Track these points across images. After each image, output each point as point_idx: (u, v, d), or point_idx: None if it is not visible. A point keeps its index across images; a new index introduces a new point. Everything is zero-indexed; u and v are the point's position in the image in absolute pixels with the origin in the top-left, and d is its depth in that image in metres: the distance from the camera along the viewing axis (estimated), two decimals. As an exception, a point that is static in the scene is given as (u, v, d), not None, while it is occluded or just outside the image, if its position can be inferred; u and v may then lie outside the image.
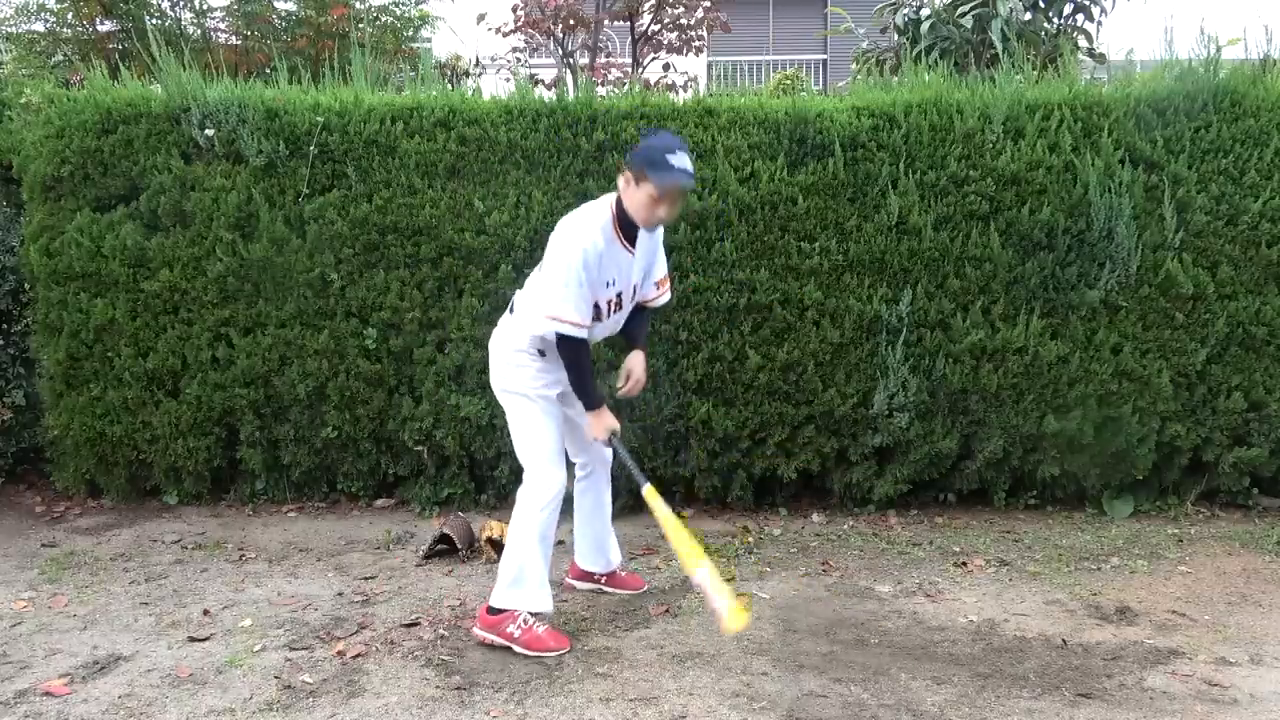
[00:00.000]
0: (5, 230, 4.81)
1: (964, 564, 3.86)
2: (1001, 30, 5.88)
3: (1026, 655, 3.03)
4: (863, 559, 3.94)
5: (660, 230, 3.22)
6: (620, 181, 2.99)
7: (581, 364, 3.05)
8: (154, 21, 6.84)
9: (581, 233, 2.94)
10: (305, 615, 3.36)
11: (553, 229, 3.06)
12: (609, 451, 3.35)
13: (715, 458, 4.39)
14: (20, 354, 4.81)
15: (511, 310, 3.19)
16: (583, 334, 2.99)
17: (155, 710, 2.70)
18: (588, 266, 2.93)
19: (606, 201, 3.04)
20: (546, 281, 2.99)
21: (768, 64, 15.81)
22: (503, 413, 4.26)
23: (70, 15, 7.05)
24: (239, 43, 7.21)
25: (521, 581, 3.06)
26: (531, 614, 3.06)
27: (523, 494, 3.09)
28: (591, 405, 3.10)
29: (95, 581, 3.73)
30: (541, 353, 3.10)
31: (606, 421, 3.11)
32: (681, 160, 2.89)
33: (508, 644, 3.04)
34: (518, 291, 3.22)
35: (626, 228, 3.02)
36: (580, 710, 2.67)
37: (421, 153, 4.34)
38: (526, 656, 2.99)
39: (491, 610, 3.09)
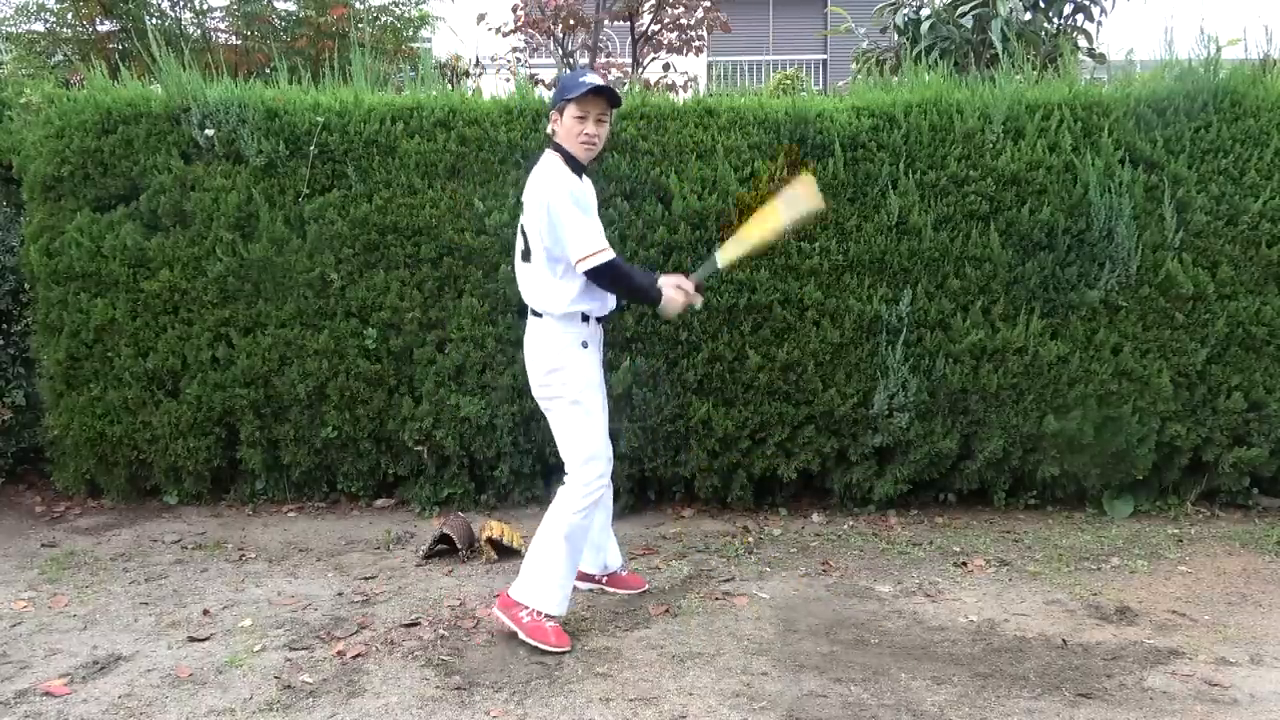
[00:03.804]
0: (5, 230, 4.82)
1: (964, 564, 3.86)
2: (1001, 30, 5.88)
3: (1026, 655, 3.03)
4: (863, 559, 3.94)
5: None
6: (550, 130, 3.13)
7: (625, 280, 3.12)
8: (154, 21, 6.84)
9: (555, 177, 3.03)
10: (305, 615, 3.36)
11: None
12: (610, 446, 3.38)
13: (715, 458, 4.39)
14: (20, 354, 4.82)
15: (538, 315, 3.15)
16: (611, 254, 3.01)
17: (155, 710, 2.70)
18: (577, 199, 3.00)
19: (548, 155, 3.12)
20: (564, 235, 3.00)
21: (768, 64, 15.80)
22: (504, 413, 4.34)
23: (70, 15, 7.05)
24: (239, 43, 7.21)
25: (539, 580, 3.08)
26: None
27: (562, 493, 3.12)
28: (656, 299, 3.14)
29: (95, 581, 3.73)
30: (585, 344, 3.13)
31: (677, 294, 3.14)
32: (592, 77, 3.06)
33: (515, 628, 3.07)
34: (527, 295, 3.18)
35: (574, 168, 3.09)
36: (580, 710, 2.67)
37: (421, 153, 4.34)
38: (527, 655, 2.99)
39: (511, 595, 3.14)
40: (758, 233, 3.25)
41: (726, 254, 3.25)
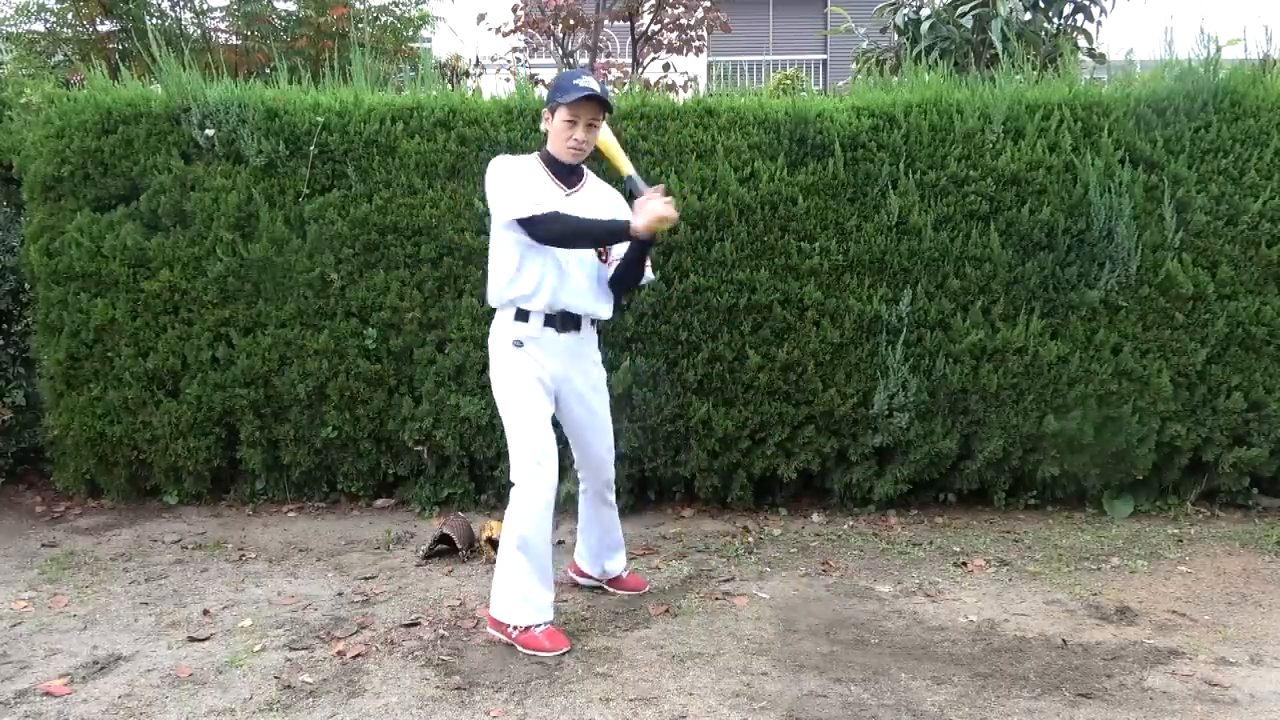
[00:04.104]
0: (5, 230, 4.82)
1: (964, 564, 3.86)
2: (1001, 30, 5.88)
3: (1026, 655, 3.03)
4: (863, 559, 3.94)
5: (617, 196, 3.27)
6: (543, 127, 3.14)
7: (572, 226, 2.96)
8: (154, 21, 6.84)
9: (502, 158, 3.11)
10: (305, 615, 3.36)
11: None
12: (611, 472, 3.36)
13: (715, 458, 4.39)
14: (20, 354, 4.82)
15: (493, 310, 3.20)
16: (547, 208, 2.93)
17: (155, 710, 2.69)
18: (511, 170, 3.04)
19: (532, 154, 3.18)
20: (493, 202, 3.04)
21: (768, 64, 15.79)
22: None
23: (70, 15, 7.05)
24: (239, 43, 7.21)
25: (505, 594, 3.03)
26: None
27: (509, 505, 3.04)
28: (619, 226, 2.98)
29: (95, 581, 3.73)
30: (518, 343, 3.07)
31: (648, 211, 2.90)
32: (587, 82, 3.02)
33: (509, 641, 3.05)
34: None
35: (555, 168, 3.11)
36: (580, 710, 2.67)
37: (421, 153, 4.35)
38: (527, 655, 2.99)
39: (490, 614, 3.10)
40: (614, 149, 3.28)
41: (625, 165, 3.25)
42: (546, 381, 3.10)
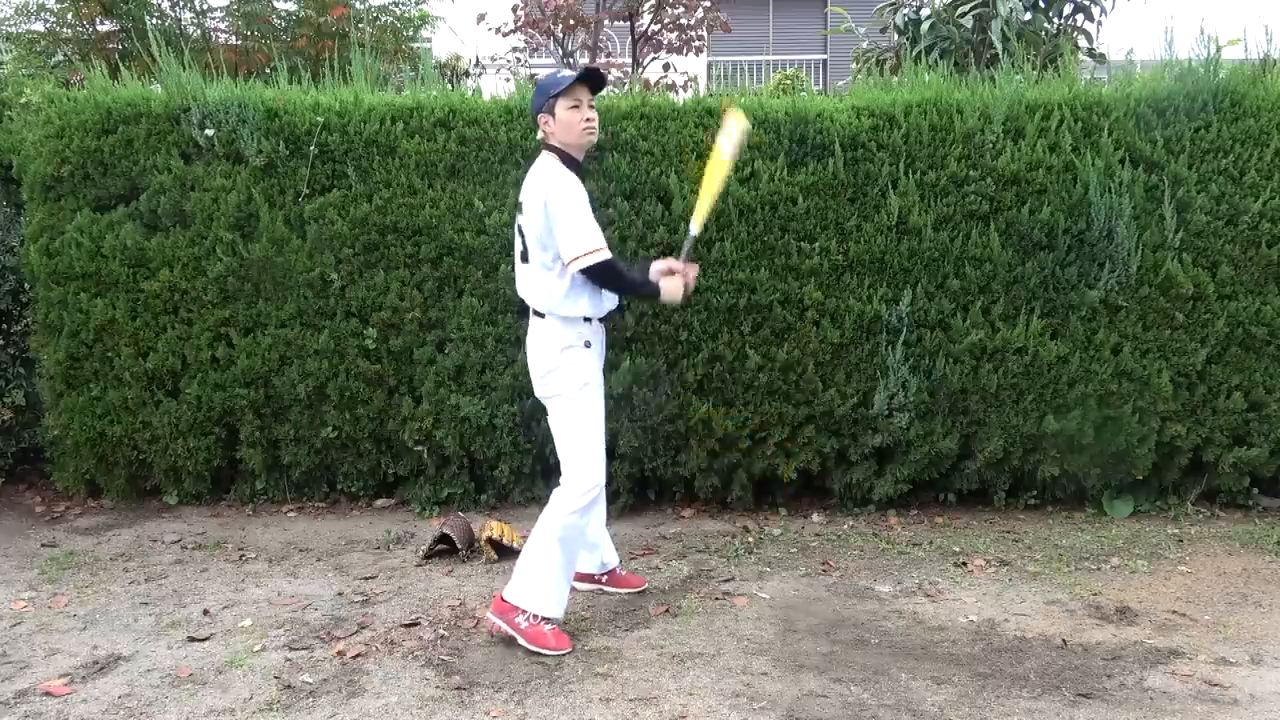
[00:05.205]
0: (5, 230, 4.82)
1: (964, 564, 3.86)
2: (1001, 30, 5.88)
3: (1026, 655, 3.03)
4: (863, 559, 3.94)
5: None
6: (543, 134, 3.14)
7: (620, 280, 3.14)
8: (154, 21, 6.84)
9: (553, 175, 3.06)
10: (305, 615, 3.36)
11: None
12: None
13: (715, 458, 4.39)
14: (20, 354, 4.82)
15: (541, 315, 3.15)
16: (606, 254, 3.05)
17: (155, 710, 2.70)
18: (578, 197, 3.04)
19: (545, 155, 3.14)
20: (560, 233, 3.01)
21: (768, 64, 15.78)
22: (504, 413, 4.34)
23: (70, 15, 7.06)
24: (239, 43, 7.21)
25: (535, 582, 3.06)
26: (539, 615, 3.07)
27: (558, 494, 3.11)
28: (655, 291, 3.21)
29: (95, 581, 3.73)
30: (588, 344, 3.15)
31: (673, 280, 3.21)
32: (566, 74, 3.12)
33: (513, 633, 3.05)
34: (528, 296, 3.18)
35: (572, 167, 3.13)
36: (580, 710, 2.67)
37: (421, 153, 4.35)
38: (527, 655, 2.99)
39: (505, 598, 3.11)
40: (712, 183, 3.28)
41: (698, 219, 3.28)
42: (601, 379, 3.24)
